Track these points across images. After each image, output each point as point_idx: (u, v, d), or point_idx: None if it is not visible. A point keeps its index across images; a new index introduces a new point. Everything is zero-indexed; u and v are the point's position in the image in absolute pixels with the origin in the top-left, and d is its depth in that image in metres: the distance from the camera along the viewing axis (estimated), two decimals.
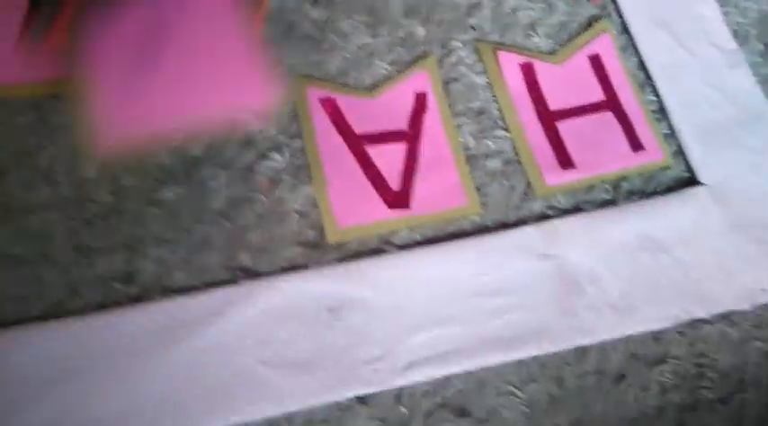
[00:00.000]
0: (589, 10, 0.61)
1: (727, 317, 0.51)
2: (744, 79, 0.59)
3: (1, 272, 0.48)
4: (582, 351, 0.49)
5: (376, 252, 0.51)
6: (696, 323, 0.50)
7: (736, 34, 0.61)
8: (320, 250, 0.51)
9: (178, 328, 0.47)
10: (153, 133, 0.50)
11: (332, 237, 0.51)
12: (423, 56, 0.58)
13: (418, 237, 0.51)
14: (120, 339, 0.46)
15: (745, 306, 0.51)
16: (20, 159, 0.52)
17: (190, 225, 0.51)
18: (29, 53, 0.53)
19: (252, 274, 0.50)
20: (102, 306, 0.48)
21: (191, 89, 0.49)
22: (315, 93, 0.56)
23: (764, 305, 0.51)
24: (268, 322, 0.47)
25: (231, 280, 0.49)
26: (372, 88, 0.57)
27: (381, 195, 0.52)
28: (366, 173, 0.53)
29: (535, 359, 0.48)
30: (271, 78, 0.51)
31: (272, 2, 0.59)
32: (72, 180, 0.51)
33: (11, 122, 0.53)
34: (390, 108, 0.56)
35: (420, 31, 0.59)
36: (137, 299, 0.48)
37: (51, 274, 0.48)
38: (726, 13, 0.62)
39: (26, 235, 0.50)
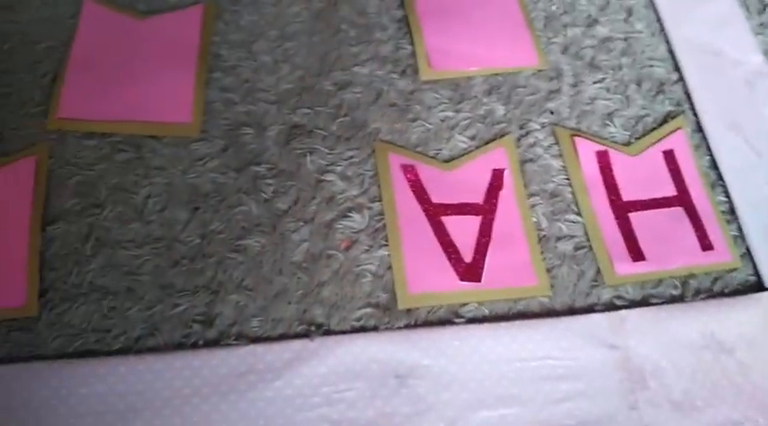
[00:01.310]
0: (665, 106, 0.63)
1: None
2: None
3: (87, 302, 0.50)
4: None
5: (445, 322, 0.52)
6: None
7: None
8: (391, 313, 0.52)
9: (250, 375, 0.48)
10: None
11: (403, 302, 0.52)
12: (501, 134, 0.61)
13: (486, 312, 0.53)
14: (194, 380, 0.48)
15: None
16: (117, 194, 0.55)
17: (270, 275, 0.53)
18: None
19: (324, 330, 0.51)
20: (180, 346, 0.50)
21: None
22: (397, 159, 0.58)
23: None
24: (336, 380, 0.49)
25: (304, 334, 0.51)
26: (451, 160, 0.59)
27: (454, 266, 0.54)
28: (441, 243, 0.55)
29: None
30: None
31: (361, 71, 0.62)
32: (164, 219, 0.54)
33: (112, 158, 0.56)
34: (468, 181, 0.58)
35: (500, 110, 0.62)
36: (213, 343, 0.50)
37: (134, 310, 0.51)
38: None
39: (115, 268, 0.52)
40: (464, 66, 0.63)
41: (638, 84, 0.64)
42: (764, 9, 0.70)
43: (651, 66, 0.65)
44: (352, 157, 0.58)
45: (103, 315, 0.50)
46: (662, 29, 0.67)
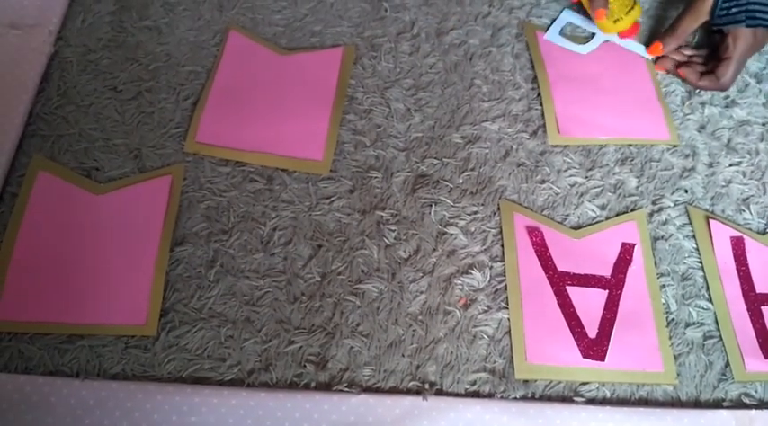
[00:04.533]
0: None
1: None
2: None
3: (205, 328, 0.50)
4: None
5: (564, 398, 0.49)
6: None
7: None
8: (507, 381, 0.50)
9: None
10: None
11: (521, 372, 0.50)
12: (633, 207, 0.59)
13: (608, 393, 0.50)
14: (303, 423, 0.47)
15: None
16: (244, 223, 0.55)
17: (385, 323, 0.52)
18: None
19: (436, 389, 0.49)
20: (292, 385, 0.49)
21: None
22: (522, 220, 0.57)
23: None
24: None
25: (416, 391, 0.49)
26: (579, 228, 0.57)
27: (577, 340, 0.51)
28: (564, 314, 0.53)
29: None
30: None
31: (491, 127, 0.62)
32: (287, 253, 0.54)
33: (243, 186, 0.57)
34: (596, 252, 0.56)
35: (632, 182, 0.60)
36: (325, 386, 0.49)
37: (251, 341, 0.50)
38: None
39: (236, 296, 0.52)
40: (593, 134, 0.62)
41: None
42: None
43: None
44: (476, 213, 0.57)
45: (220, 343, 0.50)
46: None
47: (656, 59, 0.66)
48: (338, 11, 0.68)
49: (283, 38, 0.66)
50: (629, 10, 0.63)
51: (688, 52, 0.66)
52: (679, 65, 0.65)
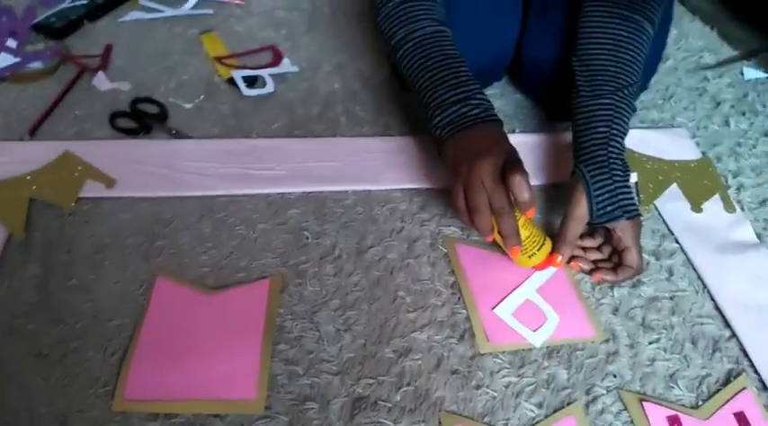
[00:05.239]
0: (725, 364, 0.63)
1: None
2: None
3: None
4: None
5: None
6: None
7: None
8: None
9: None
10: None
11: None
12: (568, 401, 0.60)
13: None
14: None
15: None
16: None
17: None
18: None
19: None
20: None
21: None
22: None
23: None
24: None
25: None
26: None
27: None
28: None
29: None
30: None
31: (420, 336, 0.64)
32: None
33: None
34: None
35: (563, 374, 0.62)
36: None
37: None
38: None
39: None
40: (520, 340, 0.64)
41: (693, 342, 0.65)
42: None
43: (702, 323, 0.67)
44: None
45: None
46: (704, 286, 0.70)
47: (569, 261, 0.71)
48: (262, 244, 0.72)
49: (210, 277, 0.68)
50: (541, 246, 0.66)
51: (587, 243, 0.71)
52: (591, 272, 0.70)
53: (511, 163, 0.62)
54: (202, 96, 0.92)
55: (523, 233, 0.65)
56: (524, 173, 0.61)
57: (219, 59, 0.98)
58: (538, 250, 0.66)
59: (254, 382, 0.59)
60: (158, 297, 0.65)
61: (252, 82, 0.94)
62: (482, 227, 0.63)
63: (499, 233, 0.64)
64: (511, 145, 0.65)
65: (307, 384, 0.59)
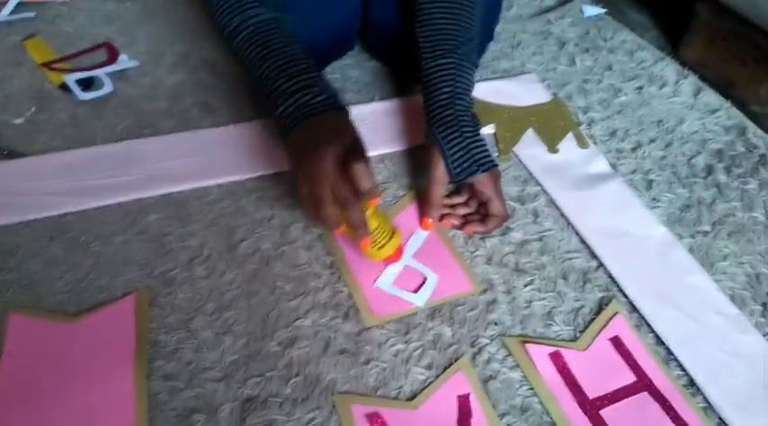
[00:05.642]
0: (596, 294, 0.67)
1: None
2: (755, 342, 0.63)
3: None
4: None
5: None
6: None
7: (732, 299, 0.66)
8: None
9: None
10: None
11: None
12: (455, 357, 0.61)
13: None
14: None
15: None
16: None
17: None
18: None
19: None
20: None
21: None
22: (360, 410, 0.56)
23: None
24: None
25: None
26: (414, 397, 0.58)
27: None
28: None
29: None
30: None
31: (305, 323, 0.63)
32: None
33: None
34: (437, 416, 0.56)
35: (447, 332, 0.63)
36: None
37: None
38: (717, 281, 0.68)
39: None
40: (405, 307, 0.64)
41: (565, 278, 0.68)
42: (650, 185, 0.78)
43: (570, 258, 0.70)
44: (313, 419, 0.56)
45: None
46: (568, 223, 0.73)
47: (441, 219, 0.71)
48: (122, 258, 0.67)
49: (70, 303, 0.63)
50: (390, 237, 0.65)
51: (455, 200, 0.72)
52: (461, 225, 0.71)
53: (353, 151, 0.59)
54: (33, 108, 0.84)
55: (372, 224, 0.63)
56: (365, 160, 0.58)
57: (48, 65, 0.90)
58: (387, 240, 0.64)
59: (132, 407, 0.55)
60: (13, 336, 0.60)
61: (88, 84, 0.87)
62: (326, 220, 0.58)
63: (347, 225, 0.61)
64: (355, 132, 0.62)
65: (191, 396, 0.57)
